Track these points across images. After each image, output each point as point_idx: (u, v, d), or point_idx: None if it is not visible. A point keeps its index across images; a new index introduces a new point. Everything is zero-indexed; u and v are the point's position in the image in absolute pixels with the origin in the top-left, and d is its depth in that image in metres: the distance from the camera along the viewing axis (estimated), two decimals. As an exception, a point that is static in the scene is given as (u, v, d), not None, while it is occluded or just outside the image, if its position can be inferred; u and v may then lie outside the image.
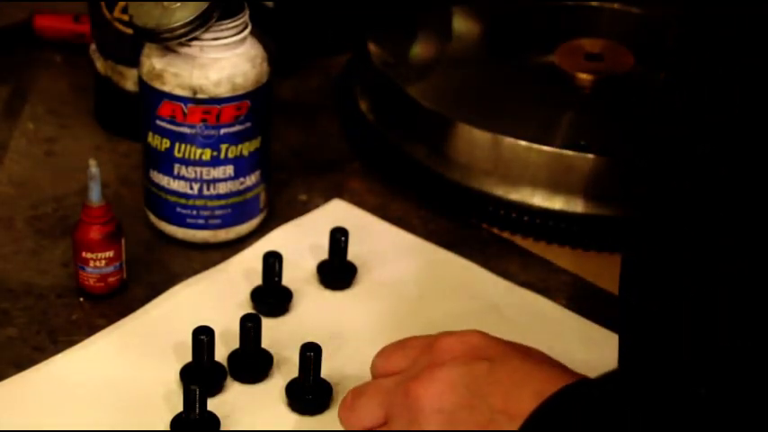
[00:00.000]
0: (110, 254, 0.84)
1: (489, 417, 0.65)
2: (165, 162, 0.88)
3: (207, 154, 0.87)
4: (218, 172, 0.88)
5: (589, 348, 0.83)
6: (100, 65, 1.02)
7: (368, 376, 0.75)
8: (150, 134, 0.88)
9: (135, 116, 0.90)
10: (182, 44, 0.85)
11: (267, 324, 0.81)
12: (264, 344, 0.80)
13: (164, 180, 0.89)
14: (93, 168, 0.81)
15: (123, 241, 0.85)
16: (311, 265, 0.89)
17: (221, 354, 0.79)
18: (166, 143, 0.87)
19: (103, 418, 0.76)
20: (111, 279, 0.85)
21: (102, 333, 0.82)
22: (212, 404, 0.75)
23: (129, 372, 0.79)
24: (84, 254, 0.84)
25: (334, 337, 0.83)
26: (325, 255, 0.88)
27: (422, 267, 0.90)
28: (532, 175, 0.93)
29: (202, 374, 0.77)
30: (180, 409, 0.74)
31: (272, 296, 0.85)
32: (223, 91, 0.85)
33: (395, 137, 1.01)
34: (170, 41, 0.84)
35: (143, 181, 0.92)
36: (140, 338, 0.82)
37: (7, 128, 1.04)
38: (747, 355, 0.57)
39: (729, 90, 0.59)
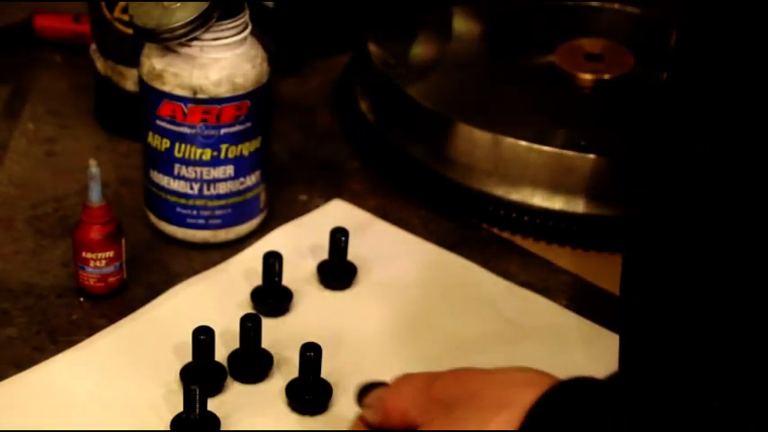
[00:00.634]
0: (110, 254, 0.84)
1: None
2: (166, 162, 0.88)
3: (207, 154, 0.87)
4: (218, 172, 0.88)
5: (589, 348, 0.83)
6: (100, 65, 1.02)
7: (367, 376, 0.75)
8: (150, 134, 0.88)
9: (135, 116, 0.90)
10: (182, 44, 0.85)
11: (267, 324, 0.81)
12: (264, 344, 0.80)
13: (164, 180, 0.89)
14: (94, 168, 0.81)
15: (123, 241, 0.85)
16: (311, 265, 0.89)
17: (221, 354, 0.79)
18: (166, 143, 0.87)
19: (103, 417, 0.76)
20: (111, 279, 0.85)
21: (102, 333, 0.82)
22: (212, 404, 0.75)
23: (130, 372, 0.79)
24: (84, 254, 0.84)
25: (334, 337, 0.83)
26: (325, 255, 0.88)
27: (422, 267, 0.90)
28: (532, 176, 0.93)
29: (202, 374, 0.77)
30: (180, 409, 0.74)
31: (272, 296, 0.85)
32: (223, 91, 0.85)
33: (395, 137, 1.01)
34: (170, 41, 0.84)
35: (143, 181, 0.92)
36: (140, 338, 0.82)
37: (7, 128, 1.04)
38: (748, 355, 0.57)
39: (729, 90, 0.59)
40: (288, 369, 0.80)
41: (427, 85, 1.00)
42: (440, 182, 0.97)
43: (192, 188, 0.89)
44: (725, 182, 0.59)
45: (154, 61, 0.86)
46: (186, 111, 0.86)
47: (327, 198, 0.97)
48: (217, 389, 0.78)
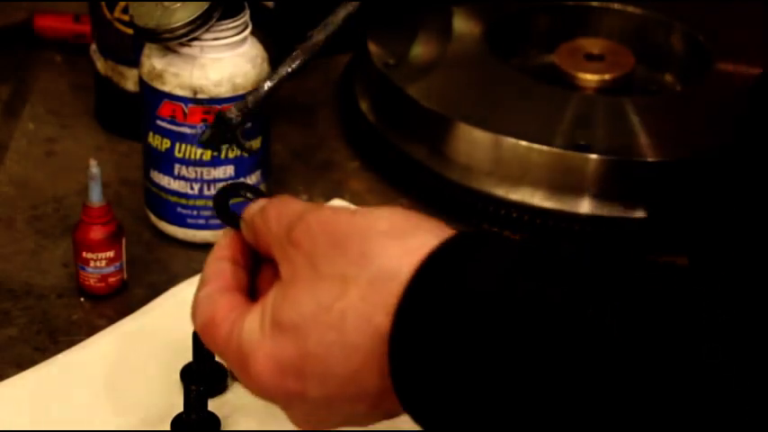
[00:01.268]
0: (110, 254, 0.84)
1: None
2: (166, 162, 0.88)
3: (207, 154, 0.87)
4: (218, 172, 0.88)
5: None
6: (100, 65, 1.02)
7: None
8: (151, 134, 0.88)
9: (135, 116, 0.90)
10: (182, 44, 0.85)
11: (267, 324, 0.80)
12: (265, 344, 0.80)
13: (164, 180, 0.89)
14: (94, 168, 0.81)
15: (123, 241, 0.85)
16: (311, 265, 0.89)
17: (221, 354, 0.79)
18: (167, 143, 0.87)
19: (103, 417, 0.76)
20: (111, 279, 0.85)
21: (102, 333, 0.82)
22: (212, 404, 0.75)
23: (130, 372, 0.79)
24: (84, 254, 0.84)
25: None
26: (325, 255, 0.88)
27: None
28: (532, 176, 0.93)
29: (202, 374, 0.77)
30: (180, 409, 0.74)
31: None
32: (223, 91, 0.85)
33: (395, 137, 1.01)
34: (170, 41, 0.84)
35: (143, 181, 0.92)
36: (140, 338, 0.82)
37: (7, 128, 1.04)
38: None
39: None
40: (288, 369, 0.79)
41: (427, 85, 1.00)
42: (440, 182, 0.96)
43: (192, 188, 0.89)
44: None
45: (154, 61, 0.86)
46: (186, 111, 0.86)
47: (327, 198, 0.97)
48: (217, 389, 0.78)
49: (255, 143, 0.89)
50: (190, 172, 0.88)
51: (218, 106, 0.86)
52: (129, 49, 0.97)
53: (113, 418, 0.76)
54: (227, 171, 0.88)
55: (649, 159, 0.93)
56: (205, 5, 0.83)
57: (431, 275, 0.54)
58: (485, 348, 0.52)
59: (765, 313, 0.50)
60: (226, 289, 0.62)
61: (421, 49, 1.07)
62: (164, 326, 0.83)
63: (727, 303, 0.51)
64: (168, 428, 0.74)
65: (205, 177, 0.88)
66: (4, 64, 1.13)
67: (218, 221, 0.90)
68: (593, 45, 1.08)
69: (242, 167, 0.89)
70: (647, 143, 0.94)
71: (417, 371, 0.54)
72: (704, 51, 1.06)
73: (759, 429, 0.48)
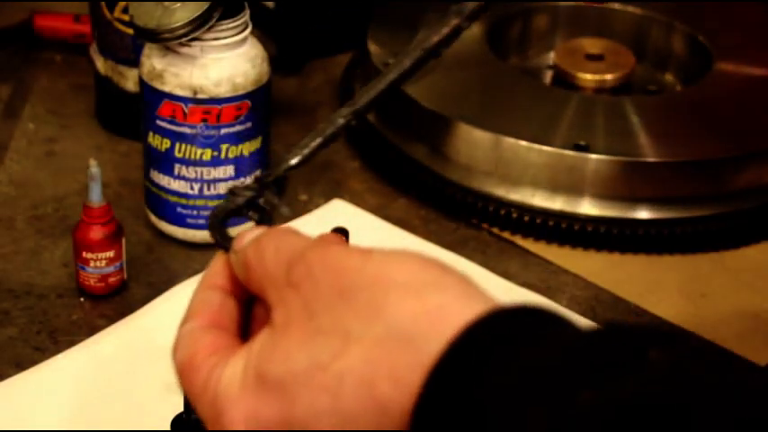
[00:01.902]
0: (110, 254, 0.84)
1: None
2: (166, 162, 0.88)
3: (207, 154, 0.87)
4: (218, 172, 0.88)
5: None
6: (100, 65, 1.02)
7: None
8: (151, 134, 0.88)
9: (135, 116, 0.90)
10: (182, 44, 0.85)
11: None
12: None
13: (164, 180, 0.89)
14: (94, 168, 0.81)
15: (123, 241, 0.85)
16: (311, 265, 0.89)
17: (221, 354, 0.79)
18: (167, 143, 0.87)
19: (103, 417, 0.76)
20: (111, 279, 0.85)
21: (102, 333, 0.82)
22: (212, 404, 0.75)
23: (130, 372, 0.79)
24: (84, 254, 0.84)
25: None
26: (325, 255, 0.88)
27: (422, 267, 0.90)
28: (533, 175, 0.93)
29: (203, 374, 0.77)
30: (180, 409, 0.74)
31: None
32: (223, 91, 0.85)
33: (395, 137, 1.01)
34: (170, 41, 0.84)
35: (143, 181, 0.92)
36: (141, 338, 0.82)
37: (7, 128, 1.04)
38: None
39: None
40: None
41: (427, 85, 1.00)
42: (440, 182, 0.96)
43: (192, 188, 0.89)
44: None
45: (154, 61, 0.86)
46: (186, 111, 0.86)
47: (327, 198, 0.97)
48: (217, 389, 0.78)
49: (255, 143, 0.89)
50: (190, 172, 0.88)
51: (218, 106, 0.86)
52: (129, 49, 0.97)
53: (113, 418, 0.76)
54: (227, 171, 0.88)
55: (649, 159, 0.93)
56: (205, 5, 0.83)
57: (461, 365, 0.44)
58: None
59: None
60: (211, 325, 0.55)
61: (421, 49, 1.07)
62: (164, 326, 0.83)
63: None
64: (168, 428, 0.74)
65: (205, 177, 0.88)
66: (4, 64, 1.13)
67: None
68: (593, 45, 1.08)
69: (242, 167, 0.89)
70: (647, 143, 0.94)
71: None
72: (704, 51, 1.07)
73: None
